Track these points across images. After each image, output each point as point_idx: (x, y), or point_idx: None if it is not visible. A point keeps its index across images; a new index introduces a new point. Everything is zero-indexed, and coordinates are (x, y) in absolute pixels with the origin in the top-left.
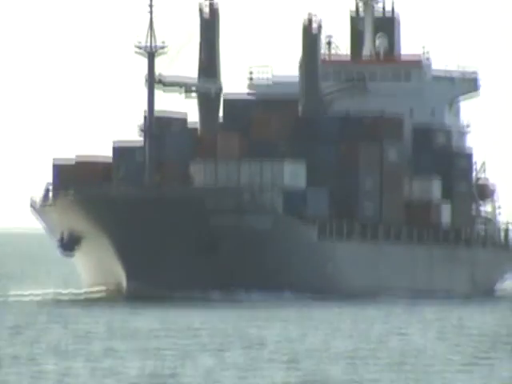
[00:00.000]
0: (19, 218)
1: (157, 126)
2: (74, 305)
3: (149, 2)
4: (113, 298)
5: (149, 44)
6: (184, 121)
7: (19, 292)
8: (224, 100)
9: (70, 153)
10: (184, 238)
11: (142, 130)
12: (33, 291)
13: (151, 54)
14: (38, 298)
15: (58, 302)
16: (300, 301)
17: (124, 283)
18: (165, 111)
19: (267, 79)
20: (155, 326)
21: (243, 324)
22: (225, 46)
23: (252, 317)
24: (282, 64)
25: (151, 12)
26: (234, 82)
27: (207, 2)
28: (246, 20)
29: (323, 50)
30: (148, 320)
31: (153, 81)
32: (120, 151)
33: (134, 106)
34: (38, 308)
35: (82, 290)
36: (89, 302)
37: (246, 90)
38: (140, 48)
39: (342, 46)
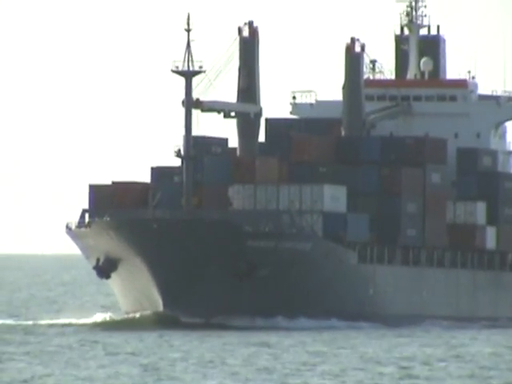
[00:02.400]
0: (56, 243)
1: (195, 148)
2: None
3: (186, 26)
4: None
5: (186, 68)
6: (224, 143)
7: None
8: (266, 120)
9: (107, 179)
10: (221, 262)
11: (177, 155)
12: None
13: (189, 78)
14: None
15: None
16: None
17: (161, 309)
18: (205, 136)
19: (310, 103)
20: None
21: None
22: (267, 71)
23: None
24: (326, 89)
25: (188, 35)
26: (277, 107)
27: (246, 23)
28: (289, 44)
29: (368, 73)
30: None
31: (190, 104)
32: (158, 173)
33: (173, 132)
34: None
35: (119, 317)
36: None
37: (290, 116)
38: (177, 72)
39: (386, 70)
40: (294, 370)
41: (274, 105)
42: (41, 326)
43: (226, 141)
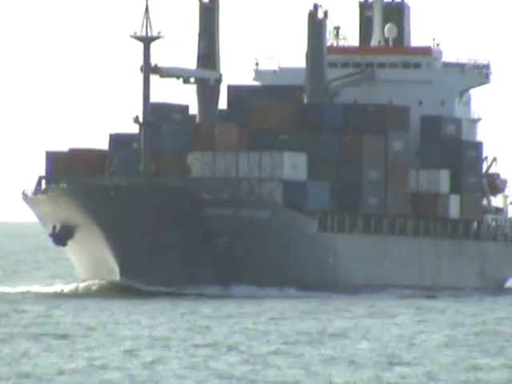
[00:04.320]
0: (13, 210)
1: (154, 114)
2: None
3: None
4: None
5: (144, 33)
6: (184, 110)
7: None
8: (228, 87)
9: (65, 146)
10: (179, 229)
11: (135, 122)
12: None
13: (147, 43)
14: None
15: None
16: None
17: (117, 277)
18: (164, 103)
19: (273, 70)
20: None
21: None
22: (229, 37)
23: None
24: (289, 56)
25: (147, 0)
26: (240, 74)
27: None
28: (252, 11)
29: (331, 40)
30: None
31: (148, 70)
32: (116, 139)
33: (132, 98)
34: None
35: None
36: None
37: (253, 82)
38: (135, 38)
39: (350, 37)
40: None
41: (237, 71)
42: None
43: (186, 108)
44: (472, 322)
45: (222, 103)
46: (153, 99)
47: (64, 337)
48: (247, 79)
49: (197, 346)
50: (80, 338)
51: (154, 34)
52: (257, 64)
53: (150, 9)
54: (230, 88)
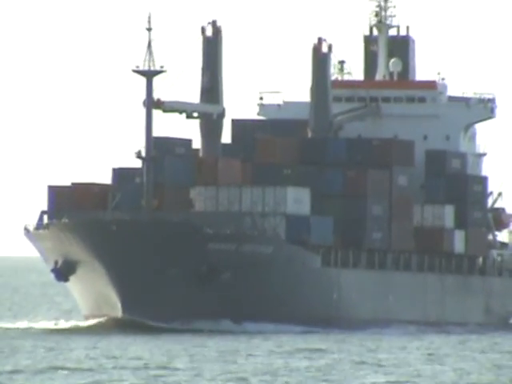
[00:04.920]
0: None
1: (157, 149)
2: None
3: (147, 25)
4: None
5: (147, 67)
6: (187, 144)
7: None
8: (232, 121)
9: (67, 180)
10: (182, 265)
11: (138, 156)
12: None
13: (149, 78)
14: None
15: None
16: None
17: (119, 314)
18: (167, 137)
19: (278, 104)
20: None
21: None
22: (234, 72)
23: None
24: (294, 90)
25: (150, 34)
26: (244, 108)
27: (210, 22)
28: (256, 44)
29: (336, 74)
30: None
31: (151, 104)
32: (119, 174)
33: (134, 132)
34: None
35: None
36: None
37: (257, 117)
38: (138, 72)
39: (355, 71)
40: None
41: (242, 106)
42: None
43: (189, 142)
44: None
45: (227, 137)
46: (156, 133)
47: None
48: (252, 113)
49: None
50: None
51: (157, 68)
52: (261, 98)
53: (152, 43)
54: (234, 122)
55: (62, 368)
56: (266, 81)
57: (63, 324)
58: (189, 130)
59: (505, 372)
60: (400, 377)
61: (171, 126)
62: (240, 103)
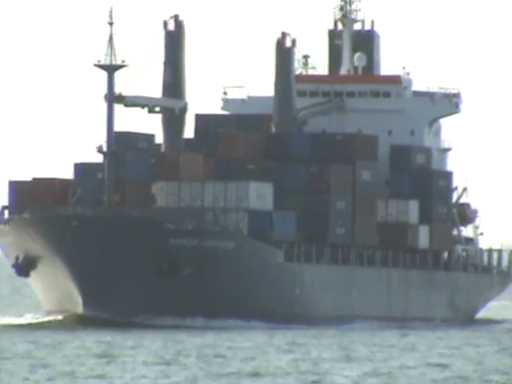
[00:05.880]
0: None
1: (119, 143)
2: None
3: (108, 19)
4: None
5: (108, 61)
6: (150, 139)
7: None
8: (196, 116)
9: (28, 175)
10: (143, 260)
11: (99, 151)
12: None
13: (111, 72)
14: None
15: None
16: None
17: (80, 309)
18: (130, 132)
19: (242, 99)
20: None
21: None
22: (198, 66)
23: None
24: (258, 85)
25: (111, 28)
26: (209, 103)
27: (172, 17)
28: (219, 39)
29: (300, 69)
30: None
31: (112, 99)
32: (81, 169)
33: (96, 127)
34: None
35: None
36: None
37: (221, 111)
38: (99, 66)
39: (319, 66)
40: None
41: (206, 100)
42: None
43: (152, 137)
44: None
45: (190, 132)
46: (118, 128)
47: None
48: (216, 108)
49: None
50: None
51: (119, 62)
52: (225, 93)
53: (114, 37)
54: (198, 117)
55: None
56: (230, 75)
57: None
58: (152, 125)
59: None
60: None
61: (135, 121)
62: (204, 98)
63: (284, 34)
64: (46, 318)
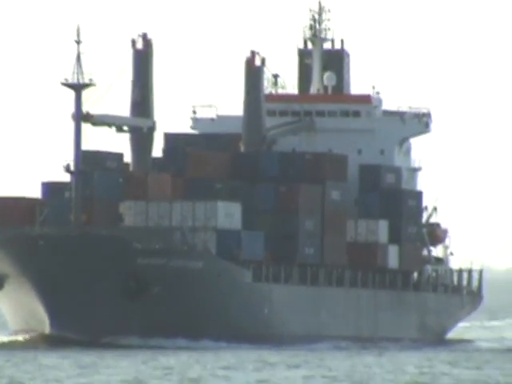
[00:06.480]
0: None
1: (86, 162)
2: None
3: (76, 38)
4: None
5: (76, 80)
6: (119, 158)
7: None
8: (164, 135)
9: None
10: (110, 280)
11: (66, 170)
12: None
13: (78, 91)
14: None
15: None
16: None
17: (47, 329)
18: (98, 151)
19: (211, 118)
20: None
21: None
22: (164, 85)
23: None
24: (227, 104)
25: (78, 47)
26: (176, 122)
27: (140, 35)
28: (189, 57)
29: (270, 88)
30: None
31: (79, 118)
32: (49, 188)
33: (63, 146)
34: None
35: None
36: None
37: (190, 130)
38: (66, 85)
39: (289, 85)
40: None
41: (175, 120)
42: None
43: (121, 156)
44: None
45: (159, 151)
46: (87, 147)
47: None
48: (185, 127)
49: None
50: None
51: (86, 80)
52: (194, 112)
53: (81, 55)
54: (167, 136)
55: None
56: (199, 94)
57: None
58: (121, 144)
59: None
60: None
61: (104, 140)
62: (173, 117)
63: (253, 53)
64: (13, 338)
